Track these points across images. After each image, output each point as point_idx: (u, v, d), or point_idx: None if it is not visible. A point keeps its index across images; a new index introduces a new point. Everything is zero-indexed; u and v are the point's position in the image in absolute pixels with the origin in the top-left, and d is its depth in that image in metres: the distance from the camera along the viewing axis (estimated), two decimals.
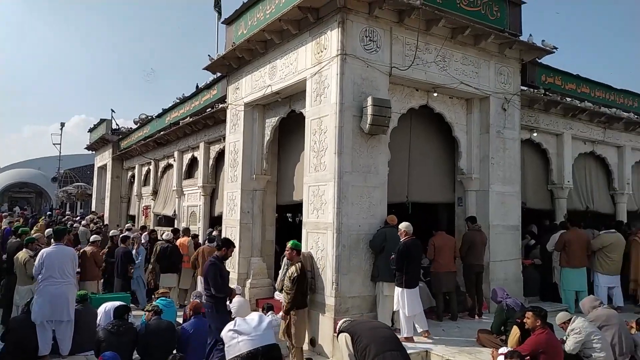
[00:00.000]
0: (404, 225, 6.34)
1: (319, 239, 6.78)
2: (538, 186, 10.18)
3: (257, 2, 8.36)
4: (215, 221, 11.36)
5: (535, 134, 9.84)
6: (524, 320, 5.12)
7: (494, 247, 8.03)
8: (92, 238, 9.45)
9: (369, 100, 6.45)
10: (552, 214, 10.21)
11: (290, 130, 8.69)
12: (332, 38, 6.78)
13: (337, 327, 5.06)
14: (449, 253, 7.39)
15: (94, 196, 23.43)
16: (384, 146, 6.99)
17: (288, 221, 15.34)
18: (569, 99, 10.23)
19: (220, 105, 10.36)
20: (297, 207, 7.75)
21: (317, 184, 6.88)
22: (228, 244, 6.28)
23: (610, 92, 11.36)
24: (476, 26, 7.61)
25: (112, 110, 20.93)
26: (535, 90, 9.61)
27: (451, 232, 8.37)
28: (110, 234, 10.82)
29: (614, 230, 8.73)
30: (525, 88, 9.27)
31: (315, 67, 7.10)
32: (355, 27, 6.74)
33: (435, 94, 7.83)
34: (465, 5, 7.71)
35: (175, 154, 13.64)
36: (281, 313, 6.26)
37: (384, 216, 6.83)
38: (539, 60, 9.52)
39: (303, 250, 6.97)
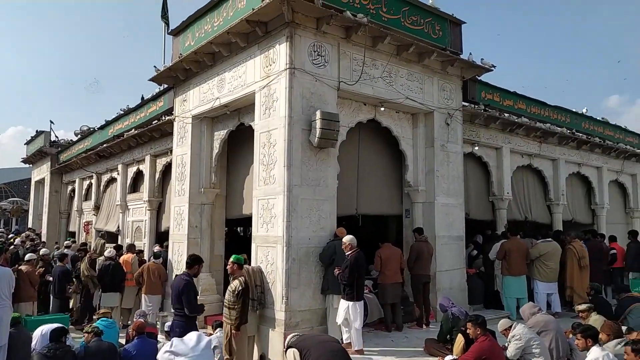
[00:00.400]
0: (348, 239, 6.35)
1: (269, 253, 6.72)
2: (480, 198, 10.60)
3: (205, 14, 8.29)
4: (162, 237, 11.01)
5: (476, 148, 10.27)
6: (467, 330, 5.29)
7: (440, 258, 8.25)
8: (27, 257, 8.92)
9: (318, 114, 6.51)
10: (494, 224, 10.65)
11: (240, 143, 8.61)
12: (280, 52, 6.81)
13: (286, 341, 5.01)
14: (395, 264, 7.50)
15: (30, 212, 22.13)
16: (333, 159, 7.06)
17: (238, 235, 15.14)
18: (507, 115, 10.77)
19: (167, 118, 10.12)
20: (248, 220, 7.67)
21: (267, 197, 6.84)
22: (199, 261, 6.19)
23: (544, 108, 12.06)
24: (420, 44, 7.89)
25: (51, 122, 20.05)
26: (476, 106, 10.05)
27: (400, 243, 8.55)
28: (40, 252, 10.21)
29: (550, 239, 9.19)
30: (466, 104, 9.67)
31: (264, 80, 7.10)
32: (303, 41, 6.81)
33: (382, 109, 8.02)
34: (409, 23, 8.00)
35: (120, 167, 13.15)
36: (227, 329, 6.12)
37: (333, 229, 6.88)
38: (479, 78, 9.98)
39: (253, 264, 6.88)
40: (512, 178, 10.95)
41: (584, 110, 13.38)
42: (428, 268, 7.84)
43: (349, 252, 6.26)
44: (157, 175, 11.42)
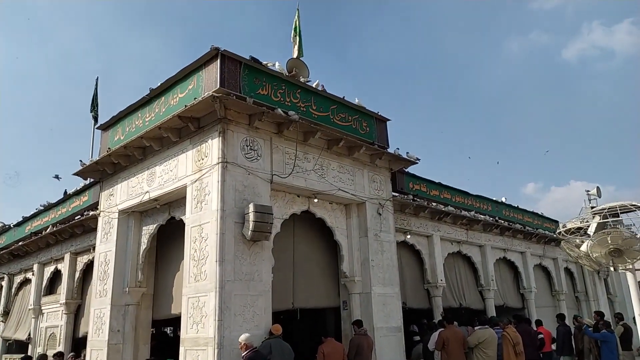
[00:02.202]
0: (242, 338, 5.92)
1: (199, 357, 6.21)
2: (416, 286, 10.69)
3: (136, 109, 8.32)
4: (79, 344, 9.94)
5: (409, 236, 10.55)
6: None
7: (380, 350, 8.03)
8: None
9: (251, 207, 6.47)
10: (431, 312, 10.66)
11: (170, 238, 8.28)
12: (213, 146, 6.86)
13: None
14: None
15: None
16: (268, 252, 6.92)
17: (167, 336, 14.03)
18: (434, 204, 11.29)
19: (92, 213, 9.62)
20: (179, 319, 7.14)
21: (197, 294, 6.47)
22: None
23: (467, 197, 12.81)
24: (349, 138, 8.30)
25: None
26: (405, 196, 10.49)
27: (338, 337, 8.26)
28: None
29: (487, 326, 9.26)
30: (396, 194, 10.08)
31: (196, 174, 7.04)
32: (236, 136, 6.93)
33: (315, 200, 8.14)
34: (339, 120, 8.46)
35: (35, 266, 12.08)
36: None
37: (268, 326, 6.55)
38: (406, 170, 10.53)
39: None
40: (444, 265, 11.23)
41: (503, 199, 14.36)
42: None
43: (245, 353, 5.82)
44: (77, 275, 10.58)
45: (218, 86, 6.72)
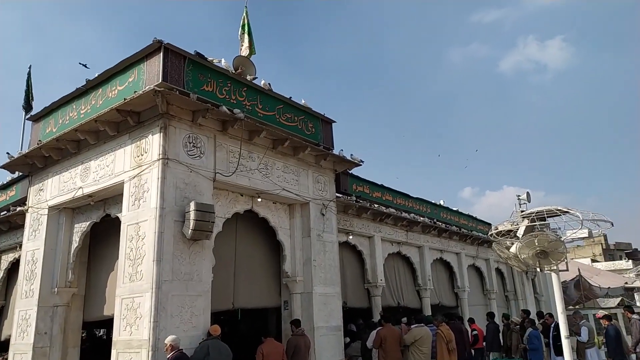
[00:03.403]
0: (169, 340, 5.75)
1: None
2: (356, 286, 10.87)
3: (70, 101, 7.90)
4: (1, 347, 9.29)
5: (351, 237, 10.71)
6: None
7: (319, 350, 8.09)
8: None
9: (192, 205, 6.32)
10: (370, 311, 10.88)
11: (104, 236, 7.92)
12: (153, 142, 6.64)
13: None
14: None
15: None
16: (208, 252, 6.79)
17: (99, 339, 13.42)
18: (376, 206, 11.53)
19: (19, 208, 9.03)
20: (112, 322, 6.84)
21: (132, 295, 6.23)
22: None
23: (408, 200, 13.19)
24: (294, 139, 8.31)
25: None
26: (349, 197, 10.64)
27: (280, 336, 8.25)
28: None
29: (422, 324, 9.58)
30: (340, 195, 10.20)
31: (134, 170, 6.79)
32: (178, 132, 6.75)
33: (259, 199, 8.08)
34: (284, 120, 8.45)
35: None
36: None
37: (207, 327, 6.43)
38: (350, 171, 10.69)
39: None
40: (384, 265, 11.49)
41: (441, 202, 14.90)
42: None
43: (170, 355, 5.66)
44: (2, 274, 9.89)
45: (160, 80, 6.51)
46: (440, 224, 13.87)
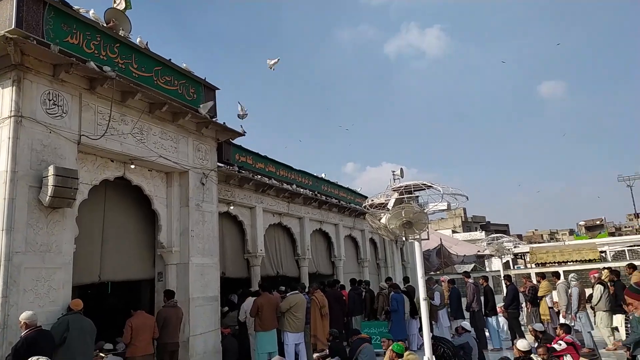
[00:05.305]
0: (24, 316, 5.25)
1: None
2: (236, 256, 10.85)
3: None
4: None
5: (232, 207, 10.60)
6: None
7: (194, 321, 7.98)
8: None
9: (51, 170, 5.72)
10: (249, 281, 10.97)
11: None
12: (4, 97, 5.84)
13: None
14: (148, 334, 6.90)
15: None
16: (70, 221, 6.24)
17: None
18: (259, 177, 11.52)
19: None
20: None
21: None
22: None
23: (291, 172, 13.38)
24: (174, 104, 7.89)
25: None
26: (231, 167, 10.48)
27: (153, 309, 7.95)
28: None
29: (297, 291, 9.93)
30: (222, 165, 9.99)
31: None
32: (35, 88, 6.01)
33: (132, 166, 7.59)
34: (163, 83, 7.97)
35: None
36: None
37: (67, 301, 5.95)
38: (233, 141, 10.49)
39: None
40: (265, 236, 11.60)
41: (323, 175, 15.39)
42: (176, 335, 7.42)
43: (24, 332, 5.18)
44: None
45: (13, 26, 5.70)
46: (321, 196, 14.32)
